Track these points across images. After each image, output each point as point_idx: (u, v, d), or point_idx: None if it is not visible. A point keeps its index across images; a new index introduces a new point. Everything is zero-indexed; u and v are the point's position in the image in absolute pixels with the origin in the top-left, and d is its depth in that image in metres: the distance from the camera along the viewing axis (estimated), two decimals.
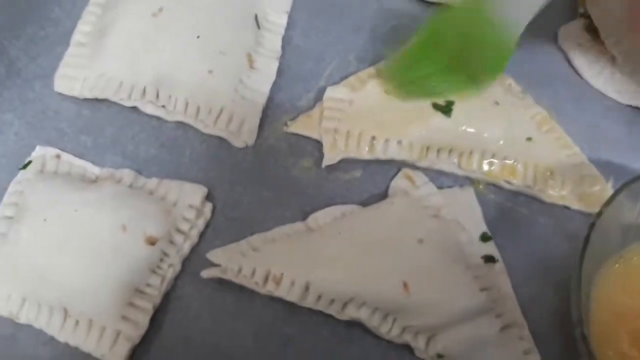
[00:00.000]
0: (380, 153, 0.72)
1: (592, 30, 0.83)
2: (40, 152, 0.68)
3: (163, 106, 0.71)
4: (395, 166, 0.73)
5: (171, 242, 0.64)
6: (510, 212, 0.73)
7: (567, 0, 0.85)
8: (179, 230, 0.65)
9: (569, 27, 0.84)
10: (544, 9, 0.84)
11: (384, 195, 0.72)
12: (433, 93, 0.71)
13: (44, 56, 0.75)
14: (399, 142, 0.72)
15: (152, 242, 0.62)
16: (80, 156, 0.70)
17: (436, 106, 0.72)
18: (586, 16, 0.83)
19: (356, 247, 0.62)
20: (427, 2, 0.83)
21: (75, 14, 0.77)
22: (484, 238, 0.70)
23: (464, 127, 0.71)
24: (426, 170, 0.73)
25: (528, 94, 0.78)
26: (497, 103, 0.73)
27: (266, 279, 0.63)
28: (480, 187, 0.73)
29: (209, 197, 0.69)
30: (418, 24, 0.81)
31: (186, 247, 0.65)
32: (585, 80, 0.81)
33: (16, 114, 0.72)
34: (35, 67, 0.74)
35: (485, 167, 0.72)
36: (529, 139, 0.74)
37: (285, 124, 0.75)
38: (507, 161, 0.72)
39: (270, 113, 0.75)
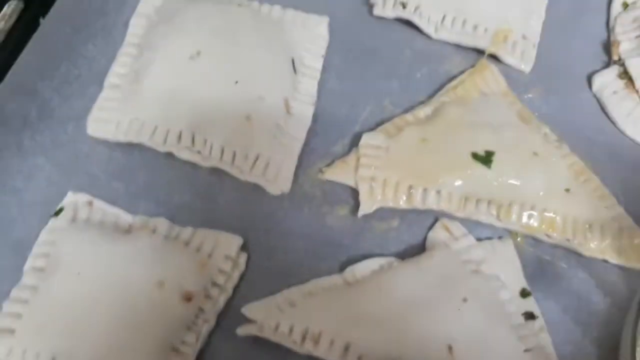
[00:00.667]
0: (418, 203, 0.71)
1: (627, 78, 0.82)
2: (72, 199, 0.67)
3: (198, 152, 0.70)
4: (432, 215, 0.72)
5: (207, 296, 0.62)
6: (548, 265, 0.72)
7: (601, 46, 0.85)
8: (214, 284, 0.63)
9: (603, 74, 0.83)
10: (578, 54, 0.85)
11: (421, 246, 0.71)
12: None
13: (77, 97, 0.74)
14: (438, 192, 0.71)
15: (188, 298, 0.60)
16: (113, 202, 0.68)
17: (476, 156, 0.70)
18: (620, 63, 0.83)
19: (398, 306, 0.61)
20: (459, 45, 0.83)
21: (110, 52, 0.76)
22: (524, 294, 0.68)
23: (504, 178, 0.70)
24: (464, 221, 0.72)
25: (564, 143, 0.77)
26: (535, 154, 0.72)
27: (304, 337, 0.61)
28: (519, 239, 0.72)
29: (243, 247, 0.68)
30: (451, 67, 0.82)
31: (221, 301, 0.64)
32: (620, 129, 0.81)
33: (48, 157, 0.70)
34: (68, 108, 0.73)
35: (525, 220, 0.71)
36: (567, 190, 0.73)
37: (320, 170, 0.74)
38: (546, 213, 0.71)
39: (305, 158, 0.74)
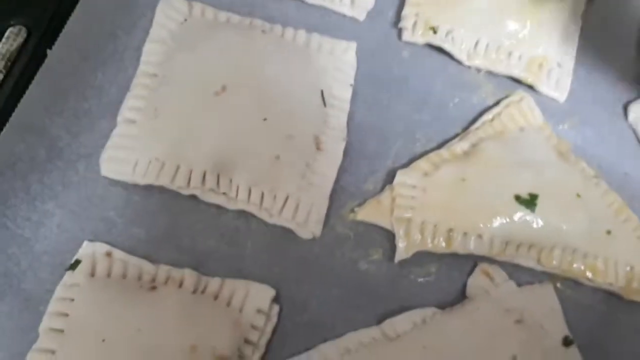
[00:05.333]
0: (459, 247, 0.67)
1: None
2: (89, 249, 0.61)
3: (224, 193, 0.65)
4: (471, 260, 0.68)
5: (240, 357, 0.58)
6: (589, 310, 0.69)
7: (636, 75, 0.82)
8: (247, 342, 0.59)
9: (639, 103, 0.81)
10: (612, 83, 0.82)
11: (461, 293, 0.67)
12: None
13: (88, 133, 0.67)
14: (479, 236, 0.67)
15: None
16: (133, 251, 0.63)
17: (520, 200, 0.67)
18: None
19: None
20: (493, 73, 0.79)
21: (121, 81, 0.70)
22: (567, 342, 0.65)
23: (547, 222, 0.67)
24: (503, 265, 0.69)
25: (601, 179, 0.74)
26: (579, 195, 0.69)
27: None
28: (558, 284, 0.69)
29: (274, 297, 0.63)
30: (484, 96, 0.78)
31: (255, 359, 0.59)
32: None
33: (58, 202, 0.64)
34: (78, 146, 0.66)
35: (566, 264, 0.68)
36: (609, 232, 0.70)
37: (352, 210, 0.69)
38: (588, 257, 0.68)
39: (335, 197, 0.69)
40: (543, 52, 0.78)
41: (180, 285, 0.60)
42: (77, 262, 0.60)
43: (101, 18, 0.72)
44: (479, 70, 0.78)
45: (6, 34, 0.67)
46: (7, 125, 0.64)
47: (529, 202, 0.67)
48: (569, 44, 0.81)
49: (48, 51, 0.67)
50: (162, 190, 0.65)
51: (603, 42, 0.82)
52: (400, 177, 0.70)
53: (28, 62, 0.66)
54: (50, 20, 0.69)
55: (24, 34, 0.66)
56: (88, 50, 0.70)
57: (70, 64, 0.69)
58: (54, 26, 0.68)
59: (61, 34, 0.68)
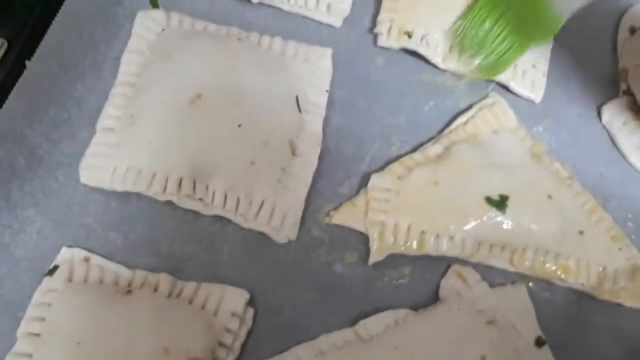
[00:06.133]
0: (431, 249, 0.68)
1: (637, 109, 0.80)
2: (67, 255, 0.63)
3: (200, 199, 0.66)
4: (444, 261, 0.69)
5: (214, 359, 0.59)
6: (562, 310, 0.70)
7: (609, 76, 0.83)
8: (221, 344, 0.60)
9: (612, 104, 0.81)
10: (587, 84, 0.82)
11: (434, 295, 0.68)
12: (497, 54, 0.75)
13: (67, 141, 0.69)
14: (451, 238, 0.68)
15: None
16: (110, 256, 0.64)
17: (490, 201, 0.68)
18: (629, 93, 0.81)
19: None
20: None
21: (100, 90, 0.71)
22: (539, 342, 0.66)
23: (518, 223, 0.68)
24: (476, 266, 0.70)
25: (575, 180, 0.75)
26: (550, 197, 0.70)
27: None
28: (531, 284, 0.70)
29: (249, 301, 0.64)
30: (459, 99, 0.79)
31: None
32: (630, 162, 0.79)
33: (38, 209, 0.66)
34: (58, 154, 0.68)
35: (538, 265, 0.69)
36: (581, 232, 0.71)
37: (328, 214, 0.71)
38: (560, 258, 0.69)
39: (311, 201, 0.71)
40: None
41: (156, 289, 0.61)
42: (55, 267, 0.62)
43: (80, 29, 0.73)
44: (453, 73, 0.80)
45: None
46: None
47: (500, 203, 0.68)
48: (544, 45, 0.82)
49: (27, 62, 0.68)
50: (139, 196, 0.67)
51: (577, 43, 0.83)
52: (375, 180, 0.71)
53: (8, 72, 0.67)
54: (30, 32, 0.70)
55: (5, 46, 0.68)
56: (68, 61, 0.72)
57: (49, 74, 0.70)
58: (34, 38, 0.70)
59: (40, 45, 0.69)
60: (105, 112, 0.69)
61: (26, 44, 0.69)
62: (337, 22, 0.79)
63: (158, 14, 0.74)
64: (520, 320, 0.67)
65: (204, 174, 0.66)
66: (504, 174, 0.70)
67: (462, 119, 0.76)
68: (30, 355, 0.57)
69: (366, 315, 0.65)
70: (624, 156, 0.79)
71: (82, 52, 0.72)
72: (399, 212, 0.69)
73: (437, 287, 0.68)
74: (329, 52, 0.76)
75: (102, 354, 0.55)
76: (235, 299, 0.63)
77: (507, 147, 0.74)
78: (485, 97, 0.78)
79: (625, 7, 0.85)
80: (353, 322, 0.65)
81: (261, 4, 0.78)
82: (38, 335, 0.57)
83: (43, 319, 0.58)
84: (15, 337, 0.59)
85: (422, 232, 0.68)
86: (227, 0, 0.79)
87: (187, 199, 0.66)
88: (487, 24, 0.74)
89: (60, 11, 0.72)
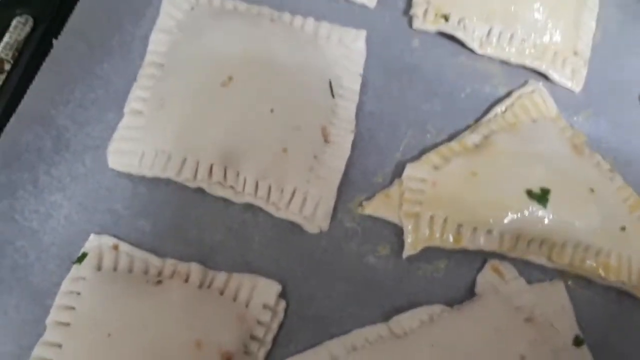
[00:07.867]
0: (468, 243, 0.66)
1: None
2: (96, 242, 0.61)
3: (231, 187, 0.64)
4: (480, 256, 0.67)
5: (246, 352, 0.58)
6: (601, 309, 0.68)
7: None
8: (253, 337, 0.59)
9: None
10: (629, 72, 0.79)
11: (470, 290, 0.66)
12: None
13: (94, 123, 0.66)
14: (489, 232, 0.66)
15: (227, 357, 0.55)
16: (139, 244, 0.63)
17: (531, 194, 0.65)
18: None
19: None
20: (505, 62, 0.76)
21: (128, 71, 0.69)
22: (577, 342, 0.64)
23: (559, 217, 0.66)
24: (514, 261, 0.67)
25: (616, 173, 0.73)
26: (592, 190, 0.68)
27: None
28: (569, 282, 0.68)
29: (281, 293, 0.63)
30: (497, 86, 0.76)
31: (260, 356, 0.59)
32: None
33: (66, 194, 0.64)
34: (84, 137, 0.66)
35: (578, 261, 0.67)
36: (623, 228, 0.68)
37: (360, 204, 0.68)
38: (601, 254, 0.67)
39: (343, 191, 0.68)
40: (558, 40, 0.76)
41: (187, 279, 0.59)
42: (84, 255, 0.60)
43: (108, 7, 0.71)
44: (491, 59, 0.76)
45: (13, 24, 0.66)
46: (14, 115, 0.64)
47: (541, 197, 0.65)
48: (585, 31, 0.78)
49: (54, 41, 0.66)
50: (168, 182, 0.65)
51: (620, 29, 0.80)
52: (410, 170, 0.68)
53: (34, 51, 0.65)
54: (57, 9, 0.68)
55: (30, 23, 0.66)
56: (94, 40, 0.69)
57: (76, 54, 0.68)
58: (61, 16, 0.67)
59: (67, 24, 0.67)
60: (133, 94, 0.66)
61: (53, 22, 0.66)
62: (371, 3, 0.76)
63: None
64: (558, 318, 0.65)
65: (235, 160, 0.64)
66: (544, 166, 0.67)
67: (500, 107, 0.73)
68: (59, 346, 0.55)
69: (399, 309, 0.64)
70: None
71: (109, 30, 0.69)
72: (435, 203, 0.67)
73: (473, 282, 0.66)
74: (363, 34, 0.73)
75: (133, 347, 0.53)
76: (267, 290, 0.61)
77: (548, 137, 0.71)
78: (524, 84, 0.76)
79: None
80: (385, 316, 0.63)
81: None
82: (68, 324, 0.56)
83: (73, 308, 0.57)
84: (45, 326, 0.58)
85: (459, 225, 0.66)
86: None
87: (218, 186, 0.64)
88: None
89: None
